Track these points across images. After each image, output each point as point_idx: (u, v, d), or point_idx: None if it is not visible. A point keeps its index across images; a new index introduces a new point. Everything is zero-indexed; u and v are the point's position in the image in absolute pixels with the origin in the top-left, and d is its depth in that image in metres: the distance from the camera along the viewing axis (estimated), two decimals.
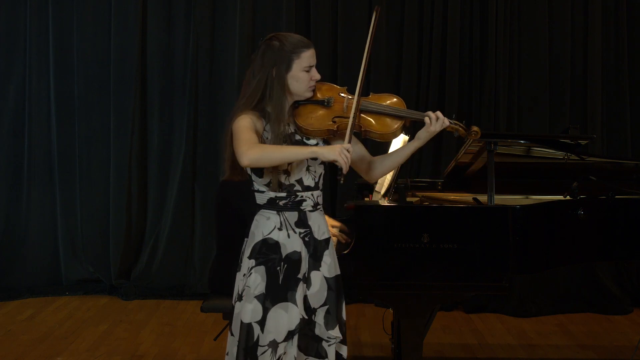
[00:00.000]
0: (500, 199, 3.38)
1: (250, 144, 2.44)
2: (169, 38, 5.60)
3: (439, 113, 2.68)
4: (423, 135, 2.68)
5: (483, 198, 3.36)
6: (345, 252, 3.00)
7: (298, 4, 5.51)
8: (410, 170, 5.28)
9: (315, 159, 2.58)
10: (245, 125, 2.50)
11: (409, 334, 3.10)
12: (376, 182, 3.75)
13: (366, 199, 3.78)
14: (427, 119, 2.66)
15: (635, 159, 4.11)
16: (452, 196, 3.77)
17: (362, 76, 2.62)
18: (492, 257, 3.07)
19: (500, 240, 3.07)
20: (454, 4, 5.43)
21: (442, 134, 2.97)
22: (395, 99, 2.71)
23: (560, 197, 3.38)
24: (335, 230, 3.09)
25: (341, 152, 2.41)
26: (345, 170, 2.43)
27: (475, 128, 2.75)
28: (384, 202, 3.27)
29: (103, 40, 5.57)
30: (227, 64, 5.56)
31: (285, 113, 2.60)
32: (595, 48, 5.50)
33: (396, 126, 2.65)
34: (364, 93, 2.69)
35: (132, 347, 4.36)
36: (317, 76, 2.62)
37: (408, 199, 3.47)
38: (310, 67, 2.59)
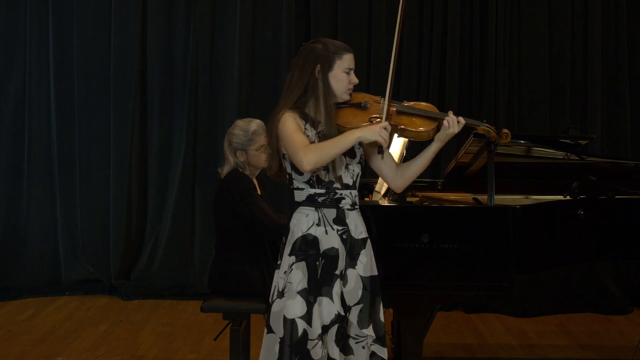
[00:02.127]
0: (500, 199, 3.38)
1: (305, 149, 2.51)
2: (169, 38, 5.60)
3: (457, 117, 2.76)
4: (442, 137, 2.74)
5: (483, 198, 3.36)
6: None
7: (298, 3, 5.51)
8: None
9: (353, 157, 2.68)
10: (292, 128, 2.57)
11: (409, 334, 3.10)
12: (376, 182, 3.75)
13: (366, 199, 3.78)
14: (445, 122, 2.72)
15: (635, 159, 4.11)
16: (452, 196, 3.77)
17: (393, 72, 2.70)
18: (492, 257, 3.06)
19: (500, 240, 3.07)
20: (454, 4, 5.43)
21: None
22: (428, 105, 2.81)
23: (560, 197, 3.38)
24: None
25: (380, 132, 2.53)
26: (385, 146, 2.58)
27: (505, 130, 2.91)
28: (384, 202, 3.27)
29: (103, 40, 5.56)
30: (227, 64, 5.56)
31: (334, 110, 2.66)
32: (595, 48, 5.50)
33: (432, 127, 2.72)
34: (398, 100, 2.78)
35: (132, 347, 4.36)
36: (355, 80, 2.70)
37: (408, 199, 3.47)
38: (350, 69, 2.68)
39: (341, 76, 2.66)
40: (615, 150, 5.54)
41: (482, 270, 3.06)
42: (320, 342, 2.58)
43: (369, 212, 3.06)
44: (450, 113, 2.74)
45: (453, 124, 2.72)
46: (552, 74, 5.53)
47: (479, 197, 3.59)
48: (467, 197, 3.74)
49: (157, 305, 5.32)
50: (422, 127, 2.72)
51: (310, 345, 2.57)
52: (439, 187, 3.96)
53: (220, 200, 3.42)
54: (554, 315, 5.21)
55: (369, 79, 5.50)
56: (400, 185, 2.84)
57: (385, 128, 2.55)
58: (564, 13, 5.53)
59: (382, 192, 3.50)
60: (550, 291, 5.35)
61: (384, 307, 2.74)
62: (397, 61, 2.72)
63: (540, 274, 5.04)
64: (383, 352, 2.70)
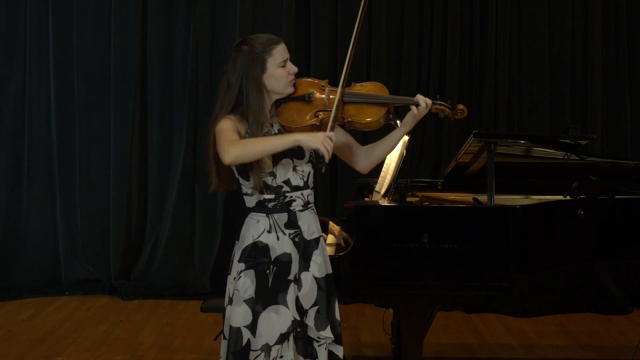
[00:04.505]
0: (500, 199, 3.39)
1: (230, 142, 2.40)
2: (169, 38, 5.61)
3: (424, 98, 2.64)
4: (409, 121, 2.66)
5: (483, 198, 3.36)
6: (344, 252, 3.01)
7: (298, 3, 5.51)
8: (410, 170, 5.28)
9: (301, 157, 2.58)
10: (226, 127, 2.47)
11: (409, 334, 3.10)
12: (376, 182, 3.75)
13: (366, 199, 3.78)
14: (422, 104, 2.62)
15: (635, 159, 4.11)
16: (452, 196, 3.77)
17: (348, 66, 2.58)
18: (492, 257, 3.07)
19: (500, 240, 3.07)
20: (454, 4, 5.43)
21: (440, 130, 2.98)
22: (376, 86, 2.67)
23: (560, 197, 3.38)
24: (337, 233, 3.10)
25: (324, 140, 2.38)
26: (327, 158, 2.40)
27: (461, 106, 2.73)
28: (384, 202, 3.27)
29: (103, 40, 5.57)
30: None
31: (265, 115, 2.56)
32: (595, 48, 5.50)
33: (380, 114, 2.59)
34: (347, 84, 2.63)
35: (132, 347, 4.36)
36: (294, 69, 2.58)
37: (408, 199, 3.47)
38: (285, 61, 2.56)
39: (277, 72, 2.53)
40: (615, 150, 5.54)
41: (482, 270, 3.06)
42: (262, 354, 2.52)
43: (369, 212, 3.06)
44: (419, 96, 2.63)
45: (422, 107, 2.61)
46: (552, 74, 5.53)
47: (479, 197, 3.59)
48: (467, 197, 3.74)
49: (157, 305, 5.32)
50: (370, 118, 2.58)
51: (252, 356, 2.53)
52: (439, 187, 3.96)
53: (229, 197, 3.41)
54: (554, 315, 5.20)
55: (369, 79, 5.49)
56: (363, 168, 2.76)
57: (330, 138, 2.40)
58: (564, 13, 5.53)
59: (382, 192, 3.50)
60: (550, 291, 5.36)
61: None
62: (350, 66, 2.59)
63: (540, 274, 5.04)
64: (339, 350, 2.66)
